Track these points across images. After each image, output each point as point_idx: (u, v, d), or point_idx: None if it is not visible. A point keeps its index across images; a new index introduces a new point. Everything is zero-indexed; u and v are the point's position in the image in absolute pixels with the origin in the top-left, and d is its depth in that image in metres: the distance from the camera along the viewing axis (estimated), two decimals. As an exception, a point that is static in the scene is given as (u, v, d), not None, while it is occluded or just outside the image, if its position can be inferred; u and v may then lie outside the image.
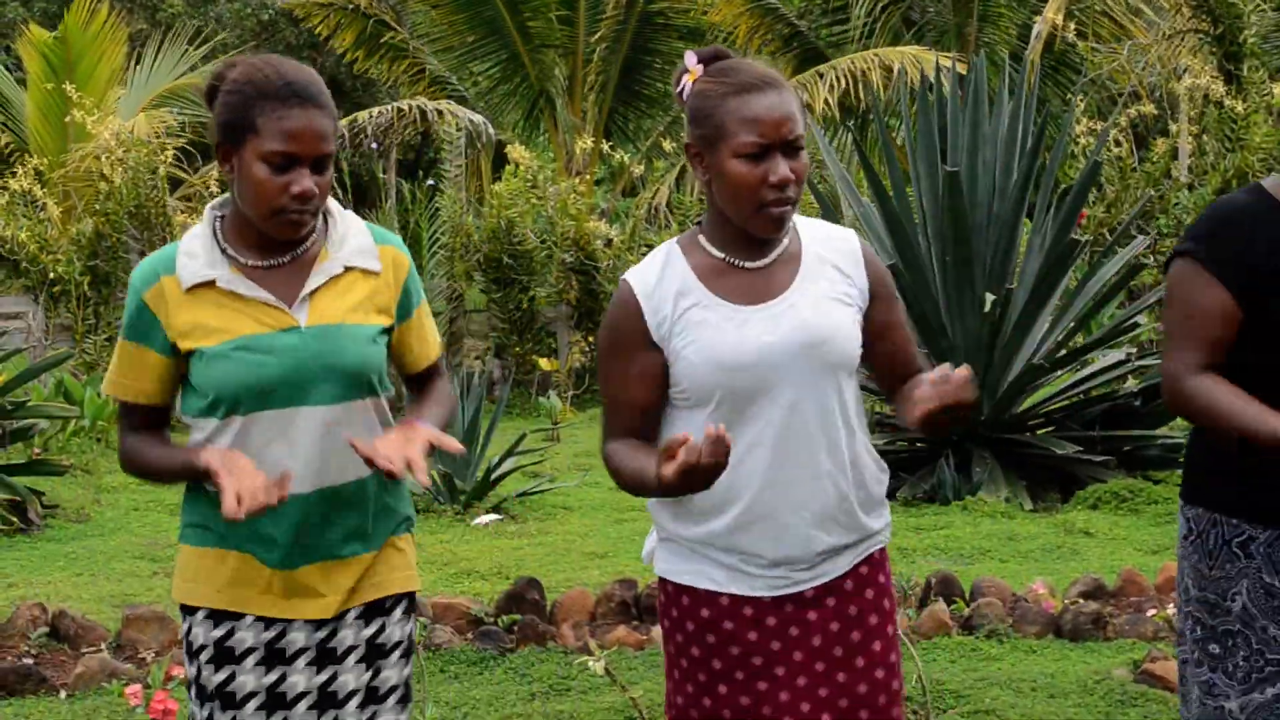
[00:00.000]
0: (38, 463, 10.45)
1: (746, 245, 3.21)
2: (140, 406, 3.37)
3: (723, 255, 3.21)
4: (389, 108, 19.34)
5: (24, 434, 10.64)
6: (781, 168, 3.10)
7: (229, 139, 3.22)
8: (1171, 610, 6.58)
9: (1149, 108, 17.63)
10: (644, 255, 16.01)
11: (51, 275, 15.47)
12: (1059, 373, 10.25)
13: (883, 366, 3.36)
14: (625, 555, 8.48)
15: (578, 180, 16.76)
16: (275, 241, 3.29)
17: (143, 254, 15.35)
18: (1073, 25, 18.43)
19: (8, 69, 21.39)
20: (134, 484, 11.03)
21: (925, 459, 9.97)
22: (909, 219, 10.03)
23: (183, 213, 17.15)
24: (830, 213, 10.84)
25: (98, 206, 15.77)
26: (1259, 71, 16.62)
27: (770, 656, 3.24)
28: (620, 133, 21.17)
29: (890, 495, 9.76)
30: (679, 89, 3.24)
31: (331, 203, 3.38)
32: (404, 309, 3.42)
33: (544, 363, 15.90)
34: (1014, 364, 9.90)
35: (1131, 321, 10.17)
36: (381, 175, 17.31)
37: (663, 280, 3.21)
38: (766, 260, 3.22)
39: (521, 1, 20.00)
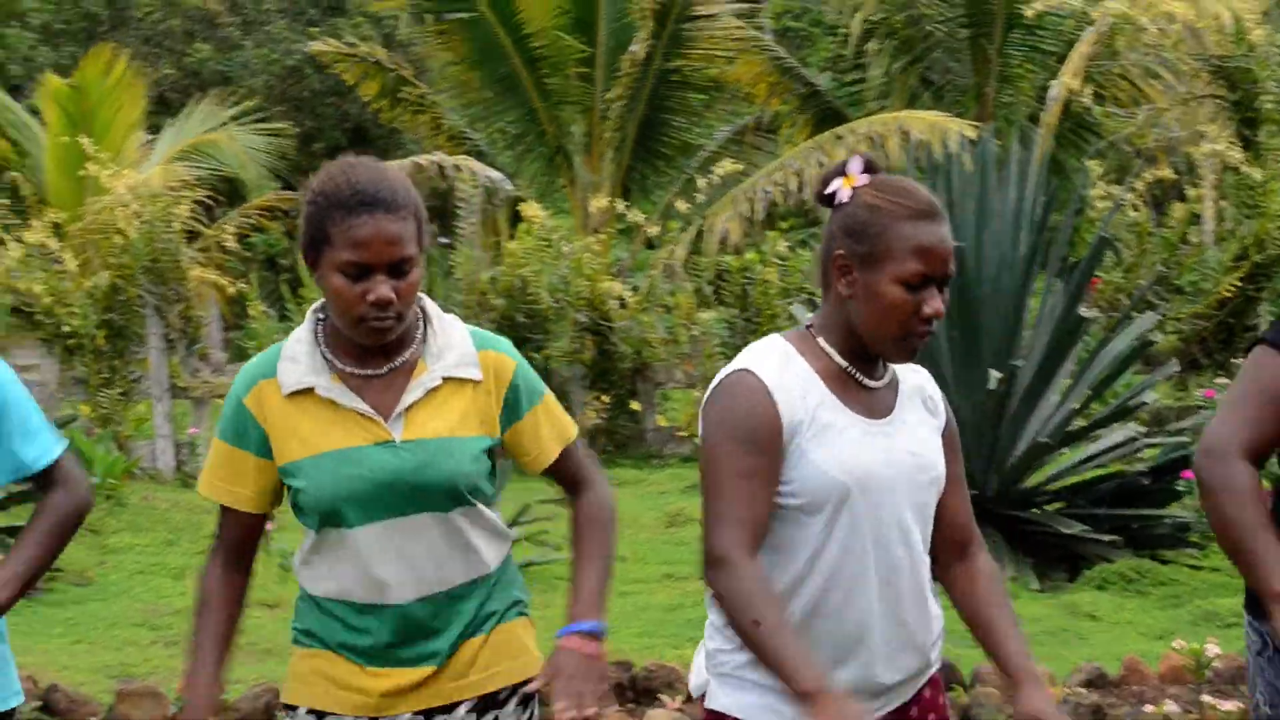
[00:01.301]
0: (41, 525, 10.42)
1: (866, 364, 3.19)
2: (236, 513, 3.38)
3: (847, 365, 3.18)
4: (408, 162, 19.37)
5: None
6: (936, 301, 3.10)
7: (311, 251, 3.24)
8: (1170, 706, 6.52)
9: (1166, 172, 17.58)
10: (659, 315, 16.07)
11: (66, 328, 15.48)
12: (1064, 450, 10.17)
13: (937, 522, 3.31)
14: (625, 633, 8.41)
15: (593, 239, 16.73)
16: (372, 350, 3.28)
17: (158, 309, 15.38)
18: (1090, 89, 18.39)
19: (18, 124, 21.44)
20: (140, 545, 11.02)
21: (931, 536, 9.89)
22: (916, 292, 9.99)
23: (200, 266, 17.17)
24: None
25: (113, 260, 15.78)
26: (1277, 138, 16.58)
27: None
28: (638, 190, 21.17)
29: (894, 572, 9.73)
30: (830, 189, 3.19)
31: (432, 309, 3.36)
32: (511, 413, 3.38)
33: (560, 419, 15.84)
34: (1020, 441, 9.83)
35: (1139, 400, 10.09)
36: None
37: (785, 376, 3.15)
38: (881, 383, 3.22)
39: (539, 59, 20.04)
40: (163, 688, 7.11)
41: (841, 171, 3.19)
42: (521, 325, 15.93)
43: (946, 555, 3.35)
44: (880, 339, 3.12)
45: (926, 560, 3.26)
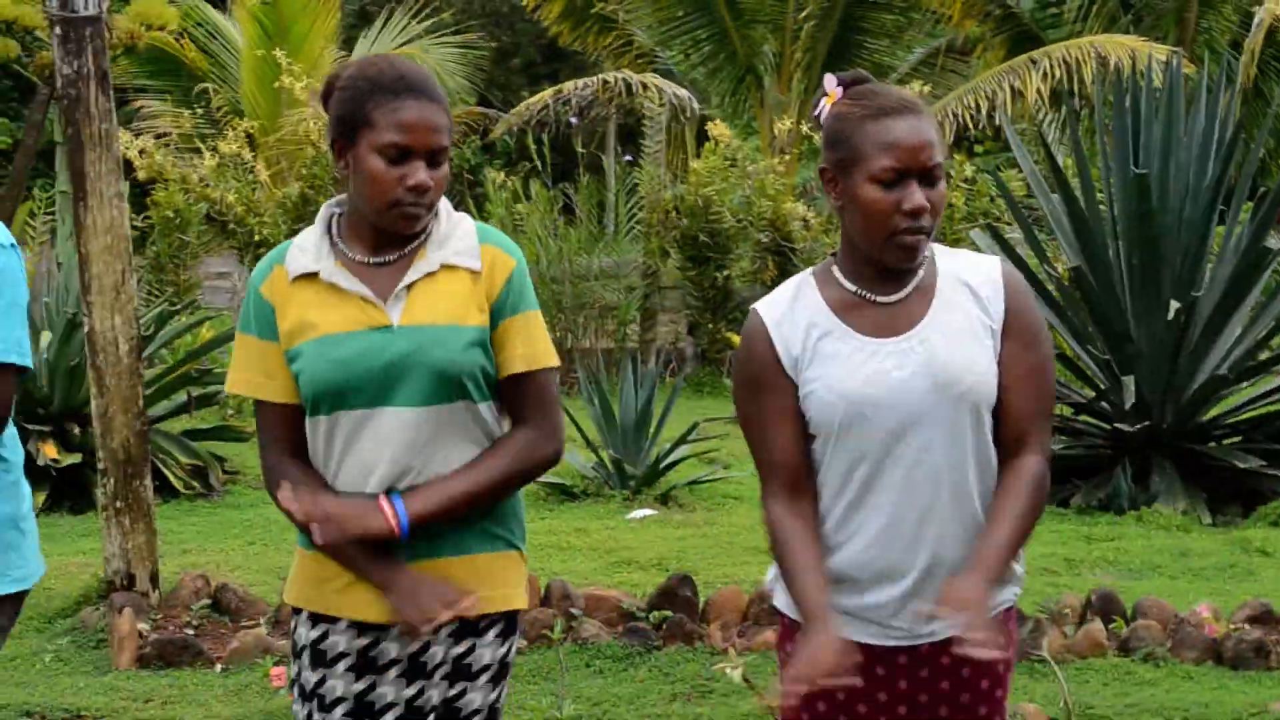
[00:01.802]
0: (222, 428, 10.70)
1: (879, 277, 3.13)
2: (272, 405, 3.33)
3: (854, 288, 3.13)
4: (594, 79, 19.41)
5: (212, 399, 10.88)
6: (916, 195, 3.01)
7: (344, 134, 3.23)
8: (1334, 645, 6.39)
9: (1372, 102, 17.05)
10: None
11: (257, 237, 15.81)
12: (1244, 384, 9.98)
13: (997, 417, 3.15)
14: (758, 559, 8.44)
15: (777, 160, 16.66)
16: (387, 239, 3.28)
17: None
18: (1294, 15, 17.90)
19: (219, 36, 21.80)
20: (317, 452, 11.24)
21: (1103, 466, 9.77)
22: (1097, 220, 9.83)
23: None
24: (1016, 210, 10.63)
25: (304, 171, 16.06)
26: None
27: (874, 706, 3.20)
28: (829, 111, 21.00)
29: (1064, 503, 9.60)
30: (816, 112, 3.18)
31: (444, 205, 3.35)
32: (499, 310, 3.32)
33: (737, 338, 15.85)
34: (1199, 373, 9.66)
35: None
36: (582, 149, 17.40)
37: (793, 311, 3.14)
38: (900, 294, 3.13)
39: (732, -23, 19.97)
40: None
41: (825, 93, 3.18)
42: (703, 244, 15.95)
43: (1002, 453, 3.16)
44: (872, 243, 3.07)
45: (976, 481, 3.13)
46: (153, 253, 16.24)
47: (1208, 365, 9.70)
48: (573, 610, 6.85)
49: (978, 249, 13.34)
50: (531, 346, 3.33)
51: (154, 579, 7.09)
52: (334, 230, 3.33)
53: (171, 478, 9.77)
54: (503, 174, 17.17)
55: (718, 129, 16.23)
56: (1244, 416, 10.02)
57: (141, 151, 16.20)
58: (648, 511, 9.63)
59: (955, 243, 15.30)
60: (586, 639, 6.67)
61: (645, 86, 18.54)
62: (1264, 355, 10.07)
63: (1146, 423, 9.40)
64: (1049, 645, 6.45)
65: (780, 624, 3.31)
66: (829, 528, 3.15)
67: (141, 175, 16.07)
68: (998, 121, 18.35)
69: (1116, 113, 9.82)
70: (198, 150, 17.45)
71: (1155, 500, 9.29)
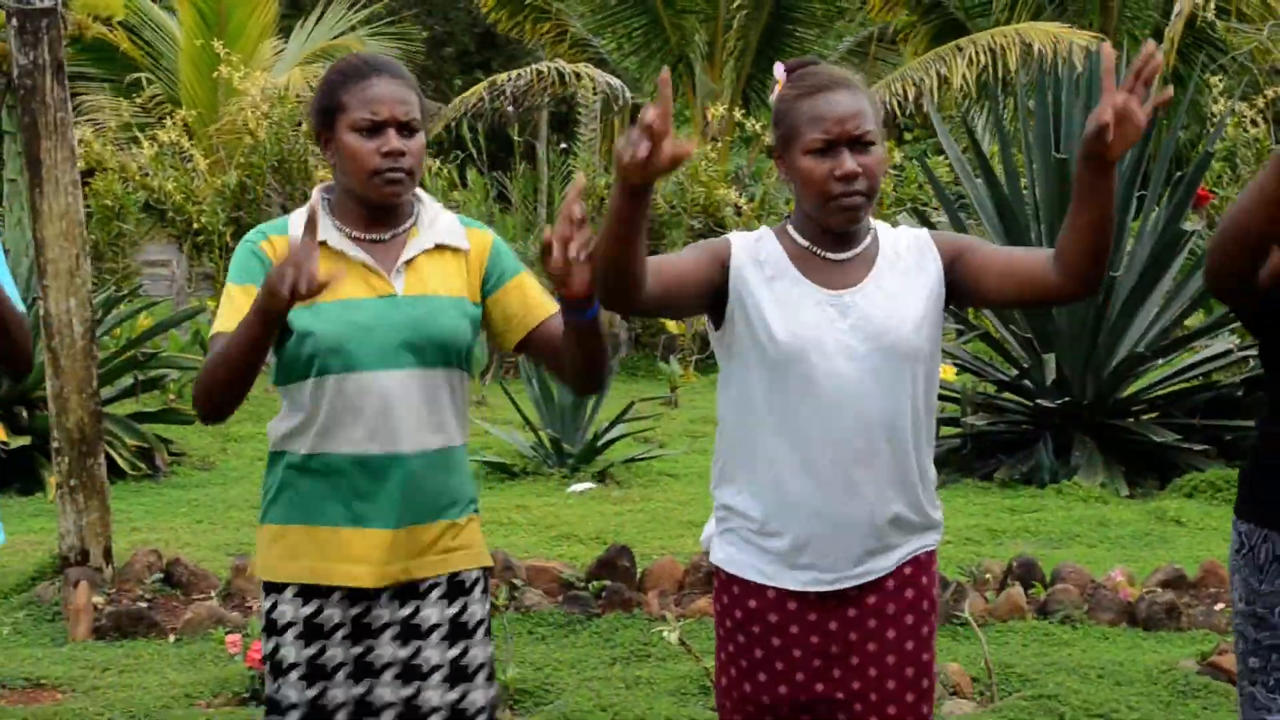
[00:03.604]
0: (168, 411, 10.88)
1: (828, 240, 3.37)
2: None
3: (807, 244, 3.38)
4: (528, 69, 19.57)
5: (157, 383, 11.07)
6: (847, 162, 3.26)
7: (324, 123, 3.55)
8: (1240, 605, 6.68)
9: (1289, 88, 17.40)
10: (773, 223, 16.22)
11: (195, 225, 15.94)
12: (1160, 361, 10.30)
13: (1010, 277, 3.36)
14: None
15: (710, 147, 16.89)
16: (377, 217, 3.56)
17: (284, 208, 15.80)
18: (1214, 3, 18.23)
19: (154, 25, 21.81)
20: (260, 434, 11.42)
21: (1025, 441, 10.07)
22: (1019, 203, 10.12)
23: (323, 167, 17.51)
24: (942, 195, 10.90)
25: (243, 160, 16.19)
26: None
27: (809, 650, 3.41)
28: (758, 98, 21.27)
29: (987, 476, 9.90)
30: (771, 97, 3.47)
31: (425, 196, 3.66)
32: (495, 279, 3.64)
33: (671, 325, 16.08)
34: (1117, 350, 9.97)
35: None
36: (518, 138, 17.55)
37: (756, 247, 3.39)
38: (847, 255, 3.38)
39: (663, -34, 20.16)
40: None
41: (776, 80, 3.47)
42: (637, 230, 16.12)
43: (1045, 278, 3.29)
44: (815, 210, 3.33)
45: (911, 432, 3.37)
46: (91, 241, 16.32)
47: (1126, 343, 10.00)
48: (515, 580, 7.09)
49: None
50: (543, 295, 3.68)
51: (107, 554, 7.27)
52: (327, 209, 3.59)
53: (118, 459, 9.93)
54: (438, 162, 17.34)
55: (650, 117, 16.40)
56: (1160, 392, 10.33)
57: (80, 140, 16.27)
58: (588, 485, 9.88)
59: (885, 227, 15.60)
60: (529, 607, 6.91)
61: (579, 76, 18.72)
62: (1179, 333, 10.39)
63: (1067, 399, 9.70)
64: (971, 608, 6.72)
65: (716, 578, 3.52)
66: (770, 474, 3.36)
67: (80, 164, 16.12)
68: (925, 109, 18.64)
69: (1039, 99, 10.10)
70: (135, 139, 17.54)
71: (1075, 474, 9.59)
